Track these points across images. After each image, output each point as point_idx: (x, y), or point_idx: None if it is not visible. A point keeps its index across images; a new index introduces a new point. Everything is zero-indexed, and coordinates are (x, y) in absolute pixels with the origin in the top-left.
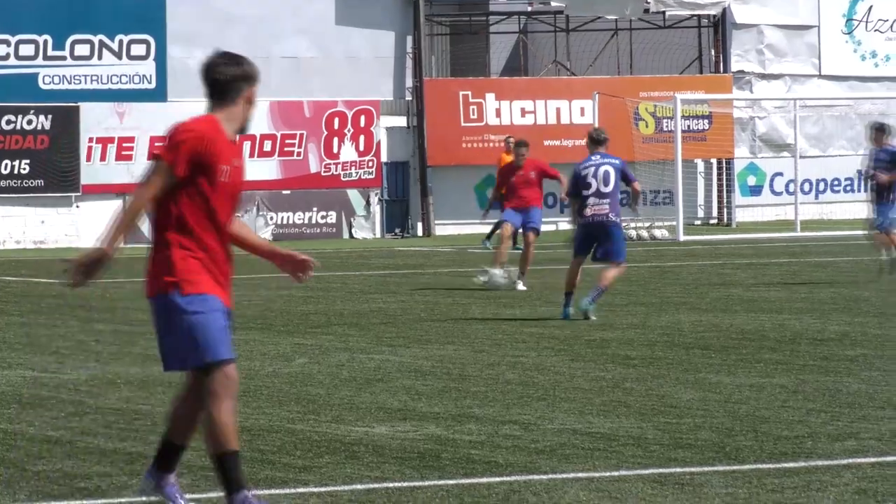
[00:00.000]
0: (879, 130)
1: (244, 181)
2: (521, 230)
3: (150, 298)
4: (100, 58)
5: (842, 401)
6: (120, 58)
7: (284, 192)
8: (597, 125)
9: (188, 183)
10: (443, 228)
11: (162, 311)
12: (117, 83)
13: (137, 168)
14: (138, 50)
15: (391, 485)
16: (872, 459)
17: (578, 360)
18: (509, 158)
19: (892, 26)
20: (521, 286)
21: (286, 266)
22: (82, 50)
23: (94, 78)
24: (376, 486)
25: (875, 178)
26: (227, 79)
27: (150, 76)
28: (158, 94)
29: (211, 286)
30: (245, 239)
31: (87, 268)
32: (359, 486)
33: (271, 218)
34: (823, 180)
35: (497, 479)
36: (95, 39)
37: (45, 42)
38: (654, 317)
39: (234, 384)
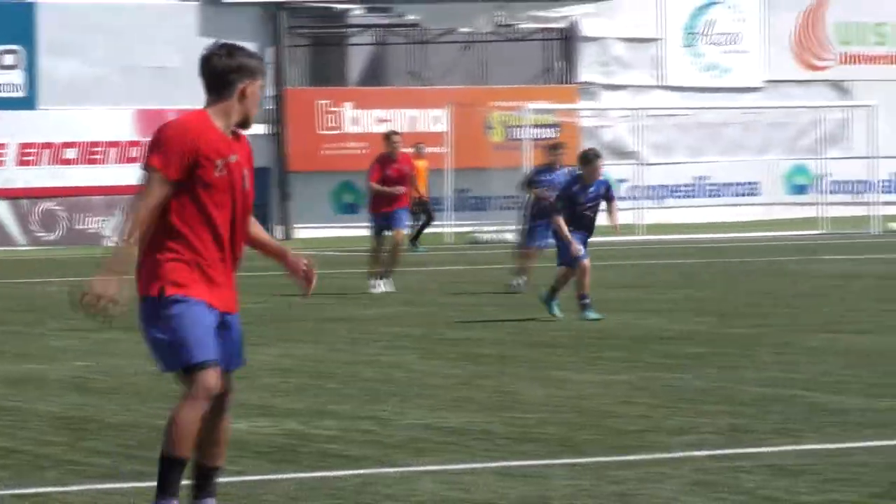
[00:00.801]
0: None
1: (249, 177)
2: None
3: (137, 297)
4: None
5: (682, 397)
6: None
7: (98, 197)
8: (451, 134)
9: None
10: (302, 231)
11: (146, 313)
12: None
13: (8, 173)
14: (8, 60)
15: (249, 478)
16: (709, 452)
17: (432, 358)
18: (421, 164)
19: (729, 40)
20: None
21: (291, 273)
22: None
23: None
24: (235, 479)
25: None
26: (219, 72)
27: (20, 85)
28: (28, 102)
29: (198, 289)
30: (256, 238)
31: (109, 297)
32: (218, 479)
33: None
34: (665, 186)
35: (352, 471)
36: None
37: None
38: (504, 316)
39: (211, 388)
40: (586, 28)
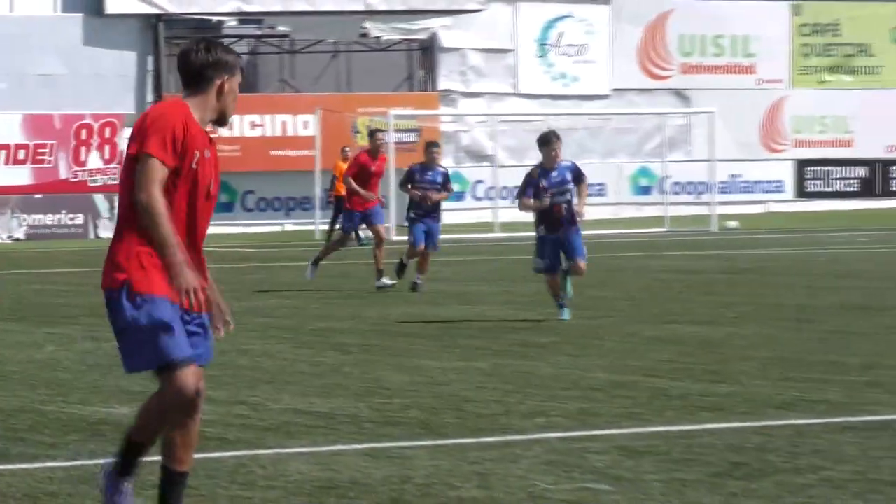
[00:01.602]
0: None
1: (215, 180)
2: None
3: (102, 290)
4: None
5: (534, 382)
6: None
7: (36, 196)
8: (319, 138)
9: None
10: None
11: (110, 307)
12: None
13: None
14: None
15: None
16: (559, 434)
17: (302, 348)
18: (345, 166)
19: (578, 51)
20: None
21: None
22: None
23: None
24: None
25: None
26: (196, 67)
27: None
28: None
29: (164, 285)
30: None
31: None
32: (101, 461)
33: (24, 220)
34: (504, 187)
35: (227, 453)
36: None
37: None
38: (368, 309)
39: (189, 387)
40: (445, 39)
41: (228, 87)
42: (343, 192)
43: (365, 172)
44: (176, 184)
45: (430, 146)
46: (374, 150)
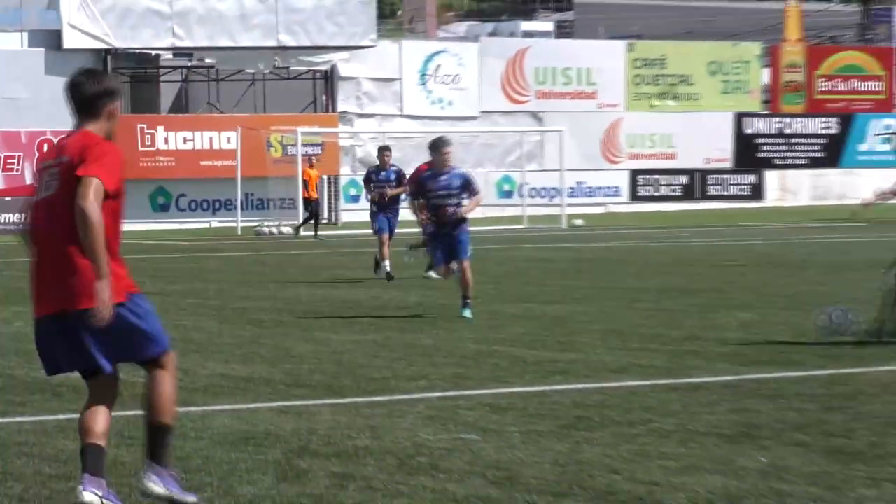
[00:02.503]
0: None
1: None
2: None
3: (77, 311)
4: None
5: (417, 352)
6: None
7: (6, 198)
8: (239, 151)
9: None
10: (126, 226)
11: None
12: None
13: None
14: None
15: (61, 416)
16: (437, 394)
17: (225, 323)
18: (314, 172)
19: (452, 80)
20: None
21: None
22: None
23: None
24: (74, 416)
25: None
26: (90, 96)
27: None
28: None
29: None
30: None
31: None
32: (61, 416)
33: None
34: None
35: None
36: None
37: None
38: (281, 290)
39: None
40: (343, 70)
41: (114, 111)
42: (314, 195)
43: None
44: (109, 204)
45: (382, 150)
46: (381, 166)
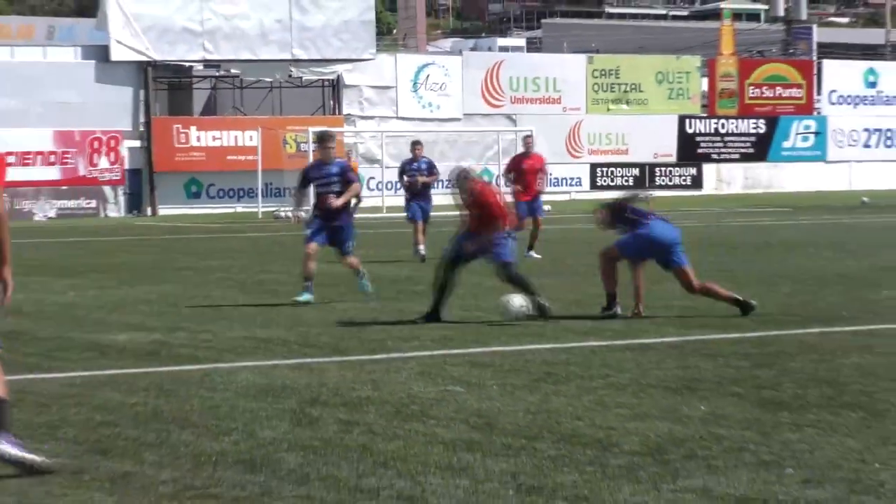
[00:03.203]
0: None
1: None
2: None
3: None
4: None
5: (409, 317)
6: None
7: (63, 187)
8: (259, 148)
9: None
10: (164, 210)
11: None
12: None
13: None
14: None
15: (128, 371)
16: (428, 353)
17: (247, 293)
18: (354, 164)
19: (439, 87)
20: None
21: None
22: None
23: None
24: (118, 371)
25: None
26: None
27: None
28: None
29: None
30: None
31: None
32: (107, 372)
33: (55, 204)
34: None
35: (196, 367)
36: None
37: None
38: (295, 266)
39: None
40: (347, 79)
41: None
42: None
43: (520, 171)
44: None
45: (415, 144)
46: (414, 158)
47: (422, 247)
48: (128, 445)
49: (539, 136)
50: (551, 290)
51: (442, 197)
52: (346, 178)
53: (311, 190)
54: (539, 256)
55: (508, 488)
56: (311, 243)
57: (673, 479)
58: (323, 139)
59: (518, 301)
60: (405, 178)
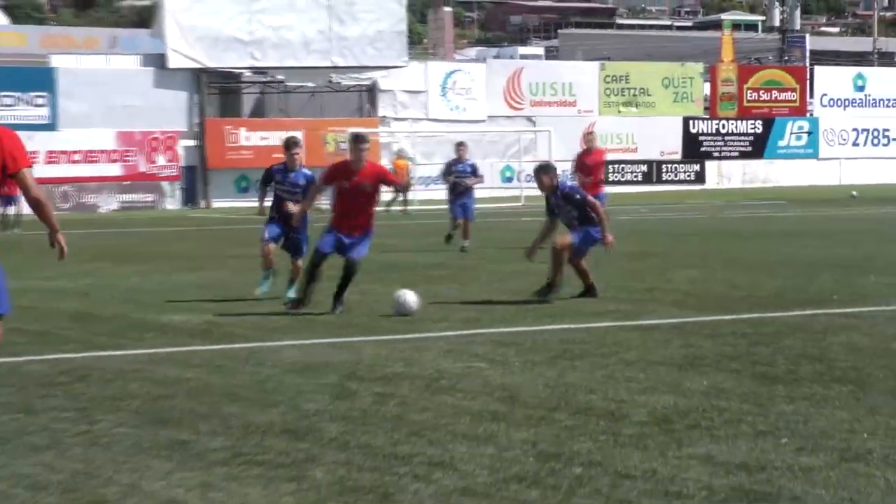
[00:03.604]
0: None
1: None
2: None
3: None
4: (17, 106)
5: (440, 300)
6: (29, 105)
7: (125, 182)
8: (304, 146)
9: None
10: (216, 203)
11: None
12: (28, 120)
13: (39, 169)
14: (39, 101)
15: (184, 348)
16: (456, 333)
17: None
18: (401, 163)
19: (466, 92)
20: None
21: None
22: (8, 101)
23: (14, 116)
24: (175, 349)
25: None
26: None
27: (46, 116)
28: (51, 126)
29: None
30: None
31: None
32: (167, 350)
33: (118, 198)
34: (429, 177)
35: (245, 345)
36: (15, 95)
37: None
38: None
39: None
40: (382, 84)
41: None
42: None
43: (583, 164)
44: None
45: (459, 145)
46: (459, 158)
47: (465, 242)
48: (183, 416)
49: (556, 136)
50: (568, 275)
51: (482, 191)
52: (308, 186)
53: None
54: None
55: (529, 455)
56: (269, 244)
57: (678, 446)
58: (288, 145)
59: (412, 298)
60: (450, 178)
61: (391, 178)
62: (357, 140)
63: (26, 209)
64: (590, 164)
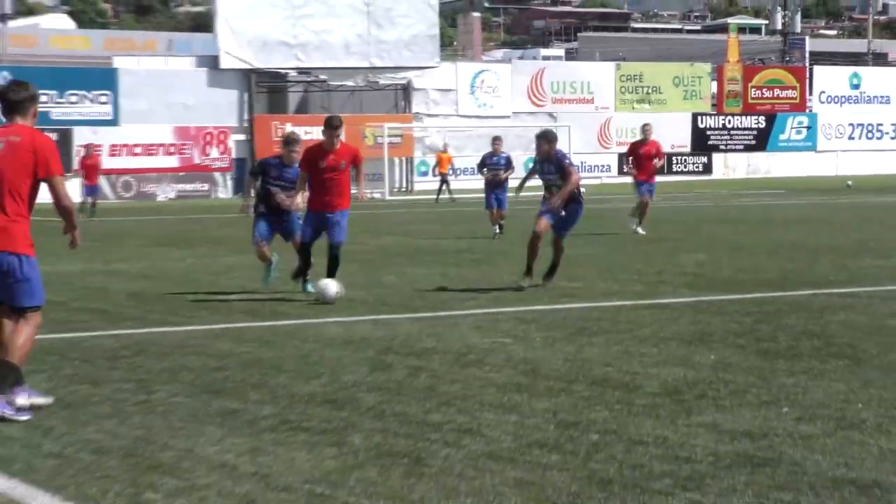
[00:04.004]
0: (543, 138)
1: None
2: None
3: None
4: (83, 103)
5: (467, 281)
6: (94, 102)
7: (181, 173)
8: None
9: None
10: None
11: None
12: (92, 116)
13: (103, 161)
14: (103, 99)
15: (236, 325)
16: (483, 310)
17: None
18: (445, 156)
19: (493, 90)
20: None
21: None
22: (74, 99)
23: (80, 113)
24: (228, 325)
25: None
26: (19, 99)
27: (109, 112)
28: (114, 122)
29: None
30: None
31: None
32: (221, 326)
33: (175, 188)
34: (460, 168)
35: (290, 322)
36: (81, 93)
37: (52, 95)
38: (374, 238)
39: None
40: (416, 83)
41: (37, 111)
42: (444, 170)
43: (637, 155)
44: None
45: (495, 140)
46: (495, 151)
47: (496, 227)
48: (235, 387)
49: (575, 131)
50: (585, 258)
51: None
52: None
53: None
54: (645, 233)
55: (550, 423)
56: (262, 244)
57: (687, 415)
58: (288, 142)
59: (333, 287)
60: (485, 170)
61: (360, 159)
62: (328, 125)
63: (101, 197)
64: (642, 153)
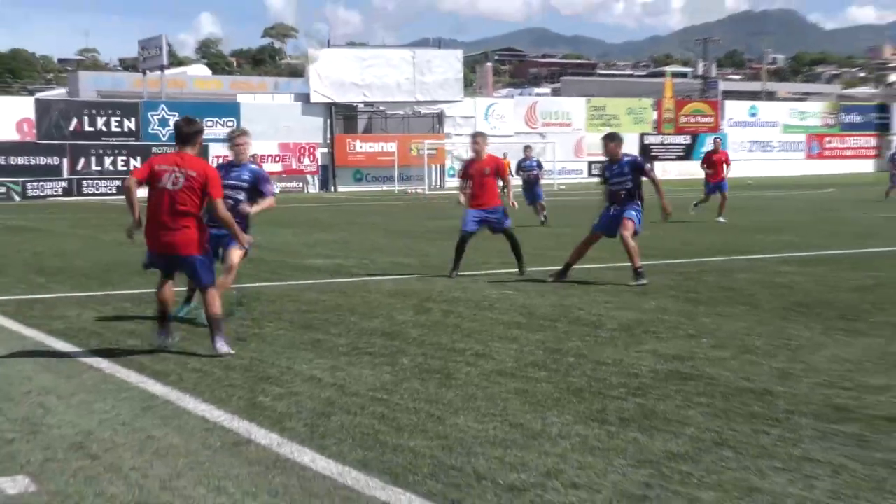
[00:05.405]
0: (609, 139)
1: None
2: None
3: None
4: (216, 127)
5: (484, 251)
6: (223, 126)
7: (284, 175)
8: (396, 154)
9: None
10: (341, 189)
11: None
12: (223, 136)
13: None
14: (230, 124)
15: (321, 281)
16: (494, 271)
17: (389, 237)
18: (505, 162)
19: (501, 117)
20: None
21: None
22: (210, 124)
23: (214, 134)
24: (315, 281)
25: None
26: (191, 132)
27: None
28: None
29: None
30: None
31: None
32: (309, 281)
33: (278, 185)
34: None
35: (360, 279)
36: (214, 119)
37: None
38: (419, 222)
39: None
40: (447, 112)
41: (201, 142)
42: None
43: (710, 161)
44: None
45: (526, 148)
46: (526, 157)
47: (542, 217)
48: (320, 324)
49: (558, 146)
50: (571, 238)
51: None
52: (261, 189)
53: None
54: (725, 221)
55: (540, 350)
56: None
57: (636, 344)
58: (232, 137)
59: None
60: (521, 172)
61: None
62: (231, 138)
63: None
64: (715, 159)
